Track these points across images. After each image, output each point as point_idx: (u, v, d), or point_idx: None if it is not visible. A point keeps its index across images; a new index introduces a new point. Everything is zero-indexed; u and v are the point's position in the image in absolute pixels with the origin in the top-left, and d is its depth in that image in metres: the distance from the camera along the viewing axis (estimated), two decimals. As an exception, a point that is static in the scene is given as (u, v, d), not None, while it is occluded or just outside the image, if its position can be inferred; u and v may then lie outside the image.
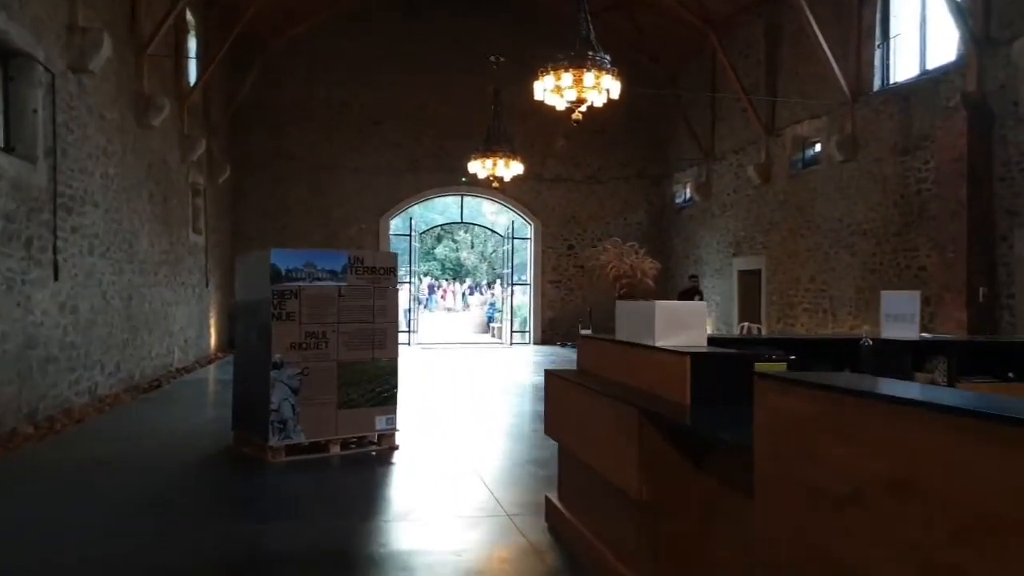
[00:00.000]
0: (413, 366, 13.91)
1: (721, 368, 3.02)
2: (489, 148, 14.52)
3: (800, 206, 14.52)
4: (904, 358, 4.13)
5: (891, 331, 4.33)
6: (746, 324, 15.51)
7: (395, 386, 6.43)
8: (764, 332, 15.02)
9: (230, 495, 5.27)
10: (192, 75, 14.32)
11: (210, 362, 14.87)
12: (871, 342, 4.06)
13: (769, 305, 15.45)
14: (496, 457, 6.38)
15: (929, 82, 11.59)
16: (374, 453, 6.27)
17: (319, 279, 6.05)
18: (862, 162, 12.86)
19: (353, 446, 6.30)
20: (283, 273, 5.91)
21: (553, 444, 6.59)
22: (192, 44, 14.46)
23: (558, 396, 4.16)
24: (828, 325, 13.69)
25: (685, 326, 3.30)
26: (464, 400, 9.48)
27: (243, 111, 17.59)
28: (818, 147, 14.36)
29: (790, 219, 14.80)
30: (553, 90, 9.64)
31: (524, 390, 10.43)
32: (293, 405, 5.90)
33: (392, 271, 6.37)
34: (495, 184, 14.82)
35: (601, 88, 9.58)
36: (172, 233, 13.03)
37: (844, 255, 13.31)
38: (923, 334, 4.83)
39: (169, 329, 12.68)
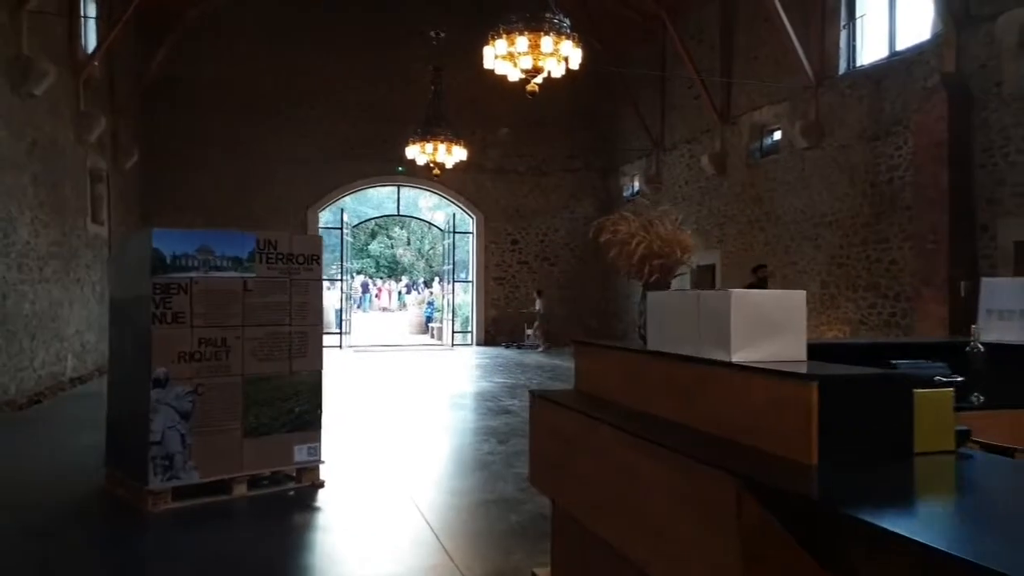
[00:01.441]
0: (344, 374, 12.38)
1: (868, 400, 1.76)
2: (429, 132, 13.11)
3: (758, 197, 13.60)
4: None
5: (996, 331, 3.17)
6: (702, 322, 14.49)
7: (319, 405, 4.98)
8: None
9: (82, 568, 3.76)
10: (91, 42, 12.45)
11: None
12: (981, 347, 2.89)
13: (725, 302, 14.47)
14: (449, 495, 4.98)
15: (901, 63, 10.74)
16: (292, 493, 4.81)
17: (218, 268, 4.57)
18: (827, 149, 11.98)
19: (265, 484, 4.82)
20: (168, 261, 4.41)
21: (519, 474, 5.46)
22: (92, 7, 12.57)
23: (556, 434, 2.81)
24: (790, 322, 12.77)
25: (776, 330, 2.04)
26: (404, 415, 8.00)
27: (154, 90, 15.68)
28: (778, 135, 13.46)
29: (748, 211, 13.87)
30: (505, 56, 8.32)
31: (470, 401, 9.05)
32: (183, 435, 4.41)
33: (316, 259, 4.94)
34: (436, 172, 13.41)
35: (560, 56, 8.30)
36: (65, 223, 11.16)
37: (807, 248, 12.42)
38: None
39: (60, 333, 10.81)
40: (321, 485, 4.90)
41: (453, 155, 13.25)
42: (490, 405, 8.29)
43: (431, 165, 13.28)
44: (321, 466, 4.99)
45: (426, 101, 13.89)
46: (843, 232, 11.67)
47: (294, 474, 4.91)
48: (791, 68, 12.60)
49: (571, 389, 3.25)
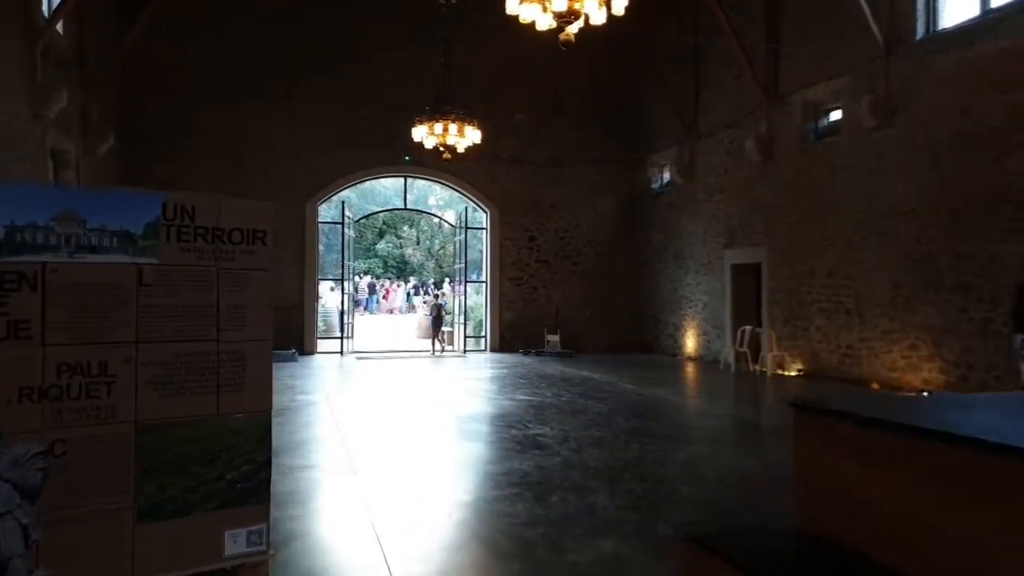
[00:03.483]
0: (338, 388, 10.59)
1: None
2: (438, 110, 11.31)
3: (814, 185, 11.73)
4: None
5: None
6: (747, 328, 12.66)
7: (265, 464, 3.16)
8: (771, 337, 12.20)
9: None
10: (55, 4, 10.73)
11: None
12: None
13: (772, 305, 12.63)
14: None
15: (997, 22, 8.90)
16: (220, 609, 3.02)
17: (94, 249, 2.77)
18: (901, 128, 10.12)
19: (179, 591, 3.03)
20: (3, 237, 2.63)
21: (581, 571, 3.24)
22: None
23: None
24: (853, 328, 10.93)
25: None
26: (403, 450, 6.10)
27: (136, 70, 13.97)
28: (837, 114, 11.60)
29: (801, 202, 12.01)
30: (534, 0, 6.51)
31: (488, 427, 7.12)
32: (24, 526, 2.60)
33: (261, 237, 3.13)
34: (446, 156, 11.60)
35: (602, -5, 6.48)
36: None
37: (875, 243, 10.56)
38: None
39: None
40: (268, 591, 3.09)
41: (466, 137, 11.43)
42: (514, 434, 6.48)
43: (441, 148, 11.47)
44: (270, 559, 3.18)
45: (437, 78, 12.10)
46: (921, 224, 9.81)
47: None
48: (853, 36, 10.76)
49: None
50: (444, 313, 16.91)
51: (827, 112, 11.86)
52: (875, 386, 10.23)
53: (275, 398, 7.78)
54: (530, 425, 6.93)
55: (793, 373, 11.89)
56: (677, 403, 9.10)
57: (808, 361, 11.79)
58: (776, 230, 12.50)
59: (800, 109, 12.07)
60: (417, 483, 4.86)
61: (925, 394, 9.45)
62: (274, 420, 6.65)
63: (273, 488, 3.16)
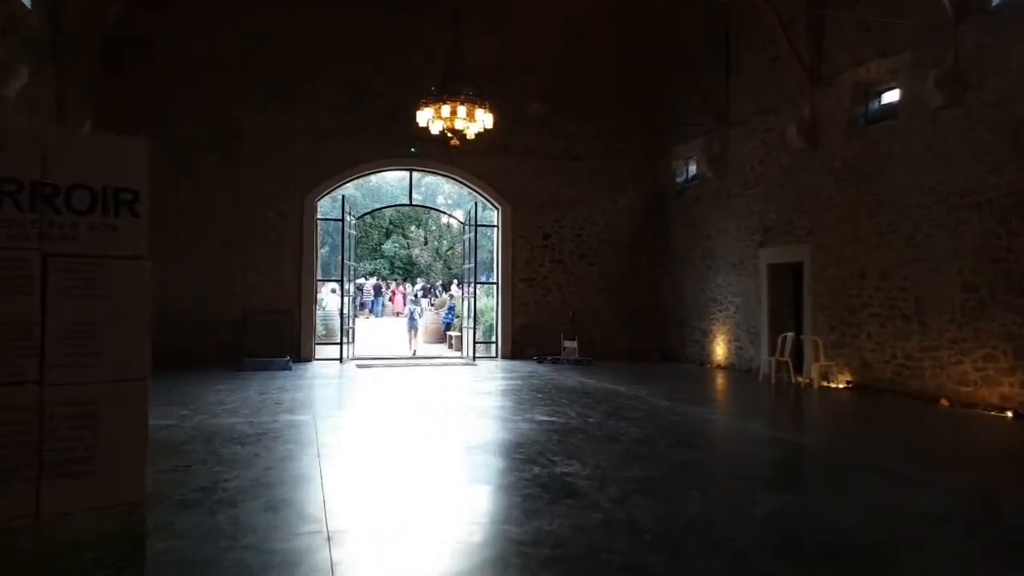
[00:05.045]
0: (334, 400, 9.27)
1: None
2: (446, 91, 9.99)
3: (865, 175, 10.35)
4: None
5: None
6: (789, 335, 11.27)
7: (140, 597, 1.85)
8: (817, 345, 10.81)
9: None
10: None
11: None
12: None
13: (816, 309, 11.24)
14: None
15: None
16: None
17: None
18: (974, 106, 8.75)
19: None
20: None
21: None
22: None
23: None
24: (912, 336, 9.54)
25: None
26: (396, 496, 4.64)
27: (120, 52, 12.76)
28: (892, 95, 10.23)
29: (850, 193, 10.62)
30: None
31: (504, 461, 5.52)
32: None
33: (128, 204, 1.82)
34: (454, 142, 10.29)
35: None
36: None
37: (941, 238, 9.17)
38: None
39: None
40: None
41: (476, 122, 10.12)
42: (538, 473, 5.13)
43: (448, 134, 10.16)
44: None
45: (443, 60, 10.80)
46: (999, 216, 8.42)
47: None
48: (913, 6, 9.41)
49: None
50: (417, 316, 18.27)
51: (879, 93, 10.49)
52: (944, 403, 8.84)
53: (257, 418, 6.17)
54: (555, 459, 5.58)
55: (841, 385, 10.51)
56: (726, 426, 7.72)
57: (857, 372, 10.40)
58: (821, 226, 11.13)
59: (849, 91, 10.69)
60: (412, 562, 3.52)
61: (1008, 414, 8.07)
62: (247, 450, 5.19)
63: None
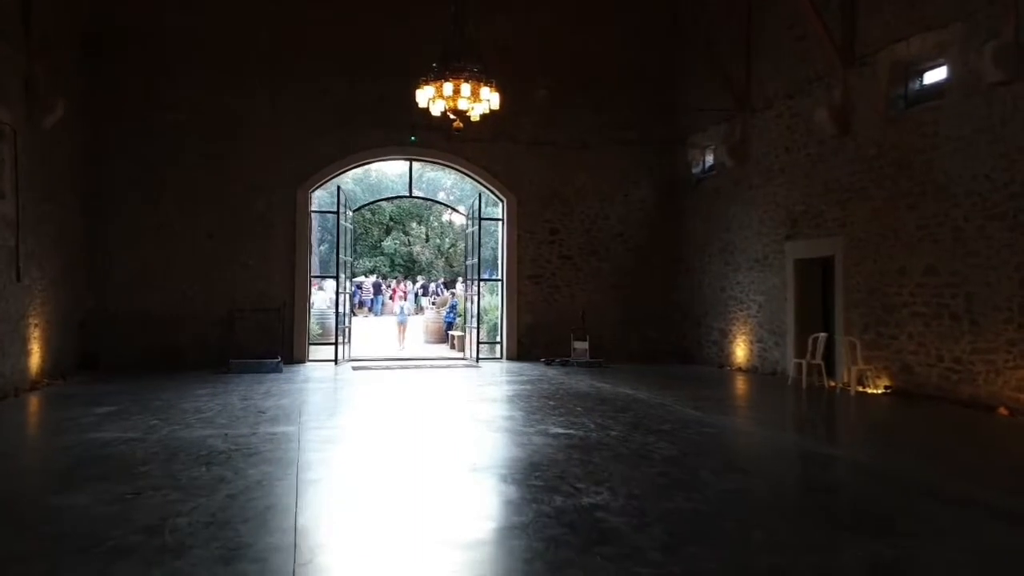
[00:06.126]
0: (324, 408, 8.29)
1: None
2: (448, 68, 9.04)
3: (906, 162, 9.38)
4: None
5: None
6: (821, 336, 10.31)
7: None
8: (852, 346, 9.84)
9: None
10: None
11: (26, 391, 9.13)
12: None
13: (849, 307, 10.27)
14: None
15: None
16: None
17: None
18: (1037, 82, 7.80)
19: None
20: None
21: None
22: None
23: None
24: (962, 337, 8.58)
25: None
26: (385, 559, 3.48)
27: (99, 36, 11.84)
28: (938, 73, 9.27)
29: (888, 182, 9.65)
30: None
31: (517, 491, 4.51)
32: None
33: None
34: (457, 124, 9.33)
35: None
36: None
37: (995, 231, 8.20)
38: None
39: None
40: None
41: (481, 101, 9.16)
42: (559, 505, 4.18)
43: (451, 115, 9.20)
44: None
45: (444, 36, 9.82)
46: (1067, 204, 7.47)
47: None
48: (963, -26, 8.46)
49: None
50: (407, 313, 18.79)
51: (921, 72, 9.53)
52: (1003, 412, 7.87)
53: (234, 430, 5.17)
54: (580, 486, 4.62)
55: (880, 391, 9.54)
56: (770, 441, 6.75)
57: (897, 376, 9.44)
58: (855, 217, 10.16)
59: (887, 70, 9.73)
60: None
61: (1082, 425, 7.11)
62: (213, 472, 4.12)
63: None
